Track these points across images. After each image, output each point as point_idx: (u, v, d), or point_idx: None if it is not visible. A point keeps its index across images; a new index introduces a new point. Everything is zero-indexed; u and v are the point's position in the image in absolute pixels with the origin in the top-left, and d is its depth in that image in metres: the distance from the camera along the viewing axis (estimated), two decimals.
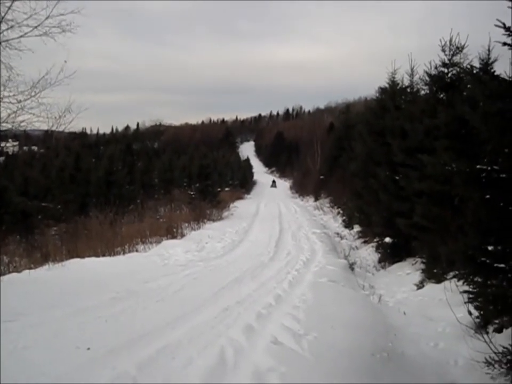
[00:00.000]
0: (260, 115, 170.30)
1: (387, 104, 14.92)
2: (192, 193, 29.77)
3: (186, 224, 23.20)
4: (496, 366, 4.64)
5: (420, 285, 10.10)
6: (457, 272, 7.69)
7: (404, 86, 14.71)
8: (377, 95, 16.56)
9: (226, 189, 44.34)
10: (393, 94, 14.85)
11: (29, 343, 5.22)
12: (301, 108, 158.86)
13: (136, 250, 16.70)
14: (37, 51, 11.34)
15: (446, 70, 10.94)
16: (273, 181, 71.12)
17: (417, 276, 10.74)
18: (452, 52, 10.80)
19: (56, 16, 11.19)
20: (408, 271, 11.78)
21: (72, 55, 11.54)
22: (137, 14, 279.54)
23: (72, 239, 17.88)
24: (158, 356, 4.90)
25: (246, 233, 21.09)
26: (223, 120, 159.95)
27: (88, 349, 5.06)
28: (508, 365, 4.56)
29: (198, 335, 5.70)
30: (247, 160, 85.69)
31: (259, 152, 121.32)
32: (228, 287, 9.34)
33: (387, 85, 15.36)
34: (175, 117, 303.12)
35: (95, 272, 11.53)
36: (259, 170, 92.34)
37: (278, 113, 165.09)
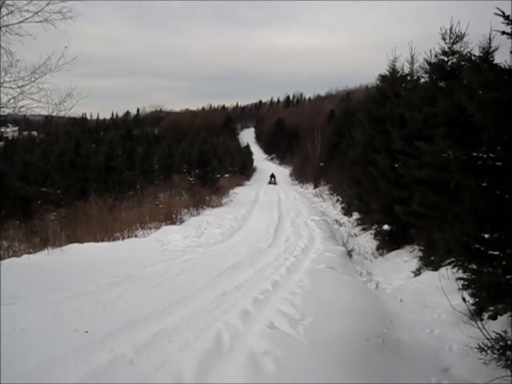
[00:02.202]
0: (260, 102, 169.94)
1: (387, 92, 14.90)
2: (191, 179, 29.80)
3: (186, 210, 23.25)
4: (489, 352, 4.68)
5: (417, 272, 10.16)
6: (453, 260, 7.74)
7: (404, 74, 14.68)
8: (378, 82, 16.53)
9: (226, 175, 44.33)
10: (393, 82, 14.83)
11: (27, 326, 5.26)
12: (301, 95, 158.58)
13: (135, 236, 16.76)
14: (38, 37, 11.32)
15: (446, 58, 10.92)
16: (272, 176, 53.38)
17: (414, 263, 10.79)
18: (452, 40, 10.78)
19: (57, 3, 11.17)
20: (405, 259, 11.83)
21: (73, 39, 11.51)
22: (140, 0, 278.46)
23: (72, 224, 17.97)
24: (155, 339, 4.94)
25: (245, 220, 21.15)
26: (224, 106, 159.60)
27: (86, 331, 5.11)
28: (501, 350, 4.60)
29: (195, 319, 5.75)
30: (247, 146, 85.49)
31: (259, 138, 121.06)
32: (226, 273, 9.40)
33: (387, 73, 15.33)
34: (175, 103, 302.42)
35: (94, 257, 11.60)
36: (259, 157, 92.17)
37: (278, 100, 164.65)
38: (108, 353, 4.46)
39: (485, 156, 4.98)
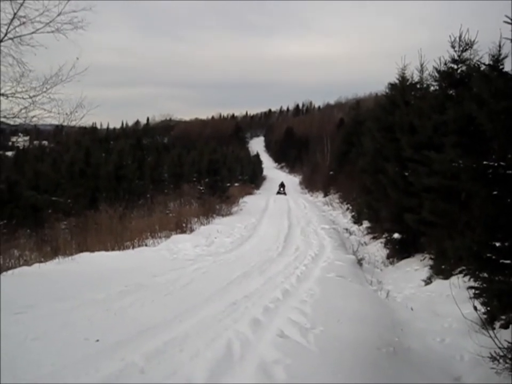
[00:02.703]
0: (269, 110, 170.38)
1: (397, 100, 14.89)
2: (201, 188, 29.84)
3: (196, 219, 23.26)
4: (501, 361, 4.66)
5: (428, 281, 10.11)
6: (464, 268, 7.71)
7: (413, 82, 14.66)
8: (387, 90, 16.53)
9: (236, 184, 44.35)
10: (403, 90, 14.81)
11: (38, 334, 5.28)
12: (311, 103, 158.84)
13: (146, 245, 16.78)
14: (50, 47, 11.45)
15: (455, 66, 10.91)
16: (282, 185, 50.69)
17: (425, 272, 10.74)
18: (461, 48, 10.77)
19: (68, 13, 11.32)
20: (416, 267, 11.78)
21: (84, 49, 11.65)
22: (149, 8, 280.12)
23: (82, 233, 18.00)
24: (166, 347, 4.95)
25: (255, 229, 21.14)
26: (233, 115, 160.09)
27: (97, 340, 5.12)
28: None
29: (205, 328, 5.75)
30: (257, 155, 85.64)
31: (269, 147, 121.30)
32: (236, 282, 9.38)
33: (397, 81, 15.33)
34: (185, 112, 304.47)
35: (105, 265, 11.62)
36: (269, 165, 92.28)
37: (288, 109, 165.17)
38: (118, 362, 4.47)
39: (495, 164, 4.97)
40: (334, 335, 5.63)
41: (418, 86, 14.45)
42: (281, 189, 49.66)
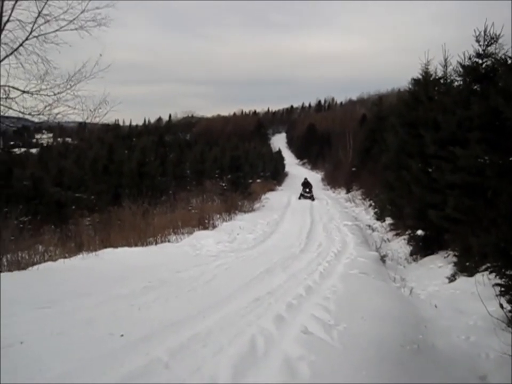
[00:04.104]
0: (291, 107, 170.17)
1: (420, 95, 14.76)
2: (223, 184, 29.93)
3: (218, 215, 23.34)
4: None
5: (452, 278, 10.02)
6: (489, 265, 7.62)
7: (437, 77, 14.51)
8: (410, 86, 16.38)
9: (258, 180, 44.32)
10: (426, 85, 14.67)
11: (64, 329, 5.34)
12: (333, 99, 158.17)
13: (168, 241, 16.88)
14: (73, 44, 11.56)
15: (480, 61, 10.77)
16: (306, 183, 37.89)
17: (449, 269, 10.64)
18: (486, 42, 10.61)
19: (91, 10, 11.41)
20: (440, 264, 11.68)
21: (106, 48, 11.72)
22: (170, 6, 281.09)
23: (105, 229, 18.16)
24: (190, 343, 4.97)
25: (277, 225, 21.14)
26: (255, 111, 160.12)
27: (122, 335, 5.16)
28: None
29: (229, 324, 5.76)
30: (279, 151, 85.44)
31: (291, 143, 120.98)
32: (258, 278, 9.39)
33: (420, 76, 15.18)
34: (207, 109, 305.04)
35: (128, 261, 11.72)
36: (291, 162, 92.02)
37: (310, 105, 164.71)
38: (143, 357, 4.49)
39: None
40: (358, 332, 5.61)
41: (442, 81, 14.30)
42: (306, 190, 36.24)
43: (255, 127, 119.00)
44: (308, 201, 33.75)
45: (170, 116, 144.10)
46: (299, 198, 35.43)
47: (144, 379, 4.03)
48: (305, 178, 39.80)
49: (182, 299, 7.44)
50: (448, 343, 5.85)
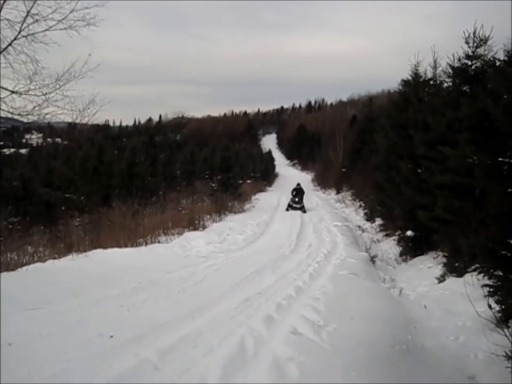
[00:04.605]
0: (282, 107, 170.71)
1: (410, 96, 14.82)
2: (214, 185, 29.90)
3: (208, 216, 23.31)
4: None
5: (441, 279, 10.07)
6: (478, 266, 7.67)
7: (426, 79, 14.58)
8: (400, 87, 16.45)
9: (248, 181, 44.26)
10: (416, 87, 14.74)
11: (53, 330, 5.32)
12: (323, 100, 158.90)
13: (158, 242, 16.84)
14: (62, 44, 11.52)
15: (469, 63, 10.85)
16: (297, 191, 29.18)
17: (438, 270, 10.70)
18: (475, 44, 10.70)
19: (81, 10, 11.38)
20: (429, 265, 11.73)
21: (96, 47, 11.71)
22: (161, 6, 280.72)
23: (95, 230, 18.09)
24: (179, 344, 4.96)
25: (267, 226, 21.14)
26: (245, 112, 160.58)
27: (111, 336, 5.15)
28: None
29: (218, 324, 5.76)
30: (269, 152, 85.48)
31: (281, 144, 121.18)
32: (248, 278, 9.39)
33: (410, 78, 15.26)
34: (197, 109, 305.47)
35: (118, 262, 11.68)
36: (281, 163, 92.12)
37: (300, 106, 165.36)
38: (132, 358, 4.49)
39: (511, 161, 4.94)
40: (347, 332, 5.62)
41: (431, 82, 14.38)
42: (296, 200, 28.08)
43: (246, 127, 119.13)
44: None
45: (160, 117, 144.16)
46: (286, 209, 27.42)
47: (134, 380, 4.03)
48: (298, 184, 30.63)
49: (171, 300, 7.43)
50: (437, 344, 5.89)
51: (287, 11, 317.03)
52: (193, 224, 20.59)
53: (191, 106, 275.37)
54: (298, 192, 29.02)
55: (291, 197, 28.74)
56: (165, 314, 6.31)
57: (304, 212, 26.63)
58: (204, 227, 20.61)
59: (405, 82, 15.72)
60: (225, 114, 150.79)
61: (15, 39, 11.06)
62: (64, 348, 4.78)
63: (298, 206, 27.40)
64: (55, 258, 12.86)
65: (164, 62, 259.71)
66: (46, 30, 11.25)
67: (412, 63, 15.07)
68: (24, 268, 11.02)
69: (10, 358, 4.42)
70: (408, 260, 13.36)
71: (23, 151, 69.19)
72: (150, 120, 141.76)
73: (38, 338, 5.04)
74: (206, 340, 5.13)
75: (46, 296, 7.13)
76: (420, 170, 12.35)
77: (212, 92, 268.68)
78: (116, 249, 13.78)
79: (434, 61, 13.73)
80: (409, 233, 13.80)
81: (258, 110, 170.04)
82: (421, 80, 14.76)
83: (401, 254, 14.09)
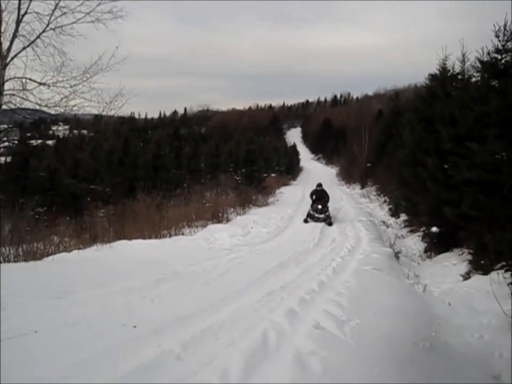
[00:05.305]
0: (307, 101, 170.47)
1: (437, 91, 14.64)
2: (238, 178, 29.94)
3: (232, 209, 23.37)
4: None
5: (466, 276, 9.95)
6: (504, 264, 7.56)
7: (454, 73, 14.38)
8: (427, 81, 16.25)
9: (272, 174, 44.28)
10: (443, 81, 14.54)
11: (78, 319, 5.36)
12: (349, 94, 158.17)
13: (182, 234, 16.95)
14: (89, 37, 11.61)
15: (499, 56, 10.65)
16: (320, 193, 22.05)
17: (463, 267, 10.58)
18: (506, 38, 10.48)
19: (108, 3, 11.44)
20: (454, 262, 11.61)
21: (123, 41, 11.75)
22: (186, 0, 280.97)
23: (120, 221, 18.27)
24: (202, 335, 4.97)
25: (291, 219, 21.11)
26: (270, 106, 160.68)
27: (135, 326, 5.18)
28: None
29: (241, 317, 5.76)
30: (294, 146, 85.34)
31: (306, 138, 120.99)
32: (272, 272, 9.38)
33: (437, 72, 15.06)
34: (222, 103, 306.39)
35: (142, 253, 11.79)
36: (305, 156, 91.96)
37: (325, 100, 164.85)
38: (155, 348, 4.50)
39: None
40: (370, 328, 5.59)
41: (459, 77, 14.17)
42: (319, 207, 21.02)
43: (270, 121, 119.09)
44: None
45: (185, 109, 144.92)
46: (305, 220, 20.53)
47: (156, 370, 4.04)
48: (319, 185, 22.87)
49: (195, 292, 7.45)
50: (461, 342, 5.82)
51: (312, 4, 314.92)
52: (217, 216, 20.67)
53: (216, 99, 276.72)
54: (320, 195, 22.03)
55: (310, 202, 21.97)
56: (188, 306, 6.32)
57: (330, 223, 19.81)
58: (228, 220, 20.68)
59: (432, 77, 15.52)
60: (250, 108, 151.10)
61: (43, 31, 11.18)
62: (88, 337, 4.81)
63: (321, 215, 20.55)
64: (80, 248, 13.03)
65: (188, 56, 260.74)
66: (73, 22, 11.36)
67: (439, 57, 14.87)
68: (50, 257, 11.19)
69: (36, 345, 4.47)
70: (432, 256, 13.24)
71: (50, 142, 69.94)
72: (175, 112, 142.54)
73: (62, 327, 5.09)
74: (228, 332, 5.13)
75: (71, 286, 7.19)
76: (446, 166, 12.21)
77: (237, 85, 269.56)
78: (140, 241, 13.90)
79: (463, 55, 13.52)
80: (434, 229, 13.67)
81: (284, 104, 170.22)
82: (449, 74, 14.56)
83: (425, 250, 13.96)
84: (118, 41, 11.34)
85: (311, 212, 20.86)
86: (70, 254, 11.73)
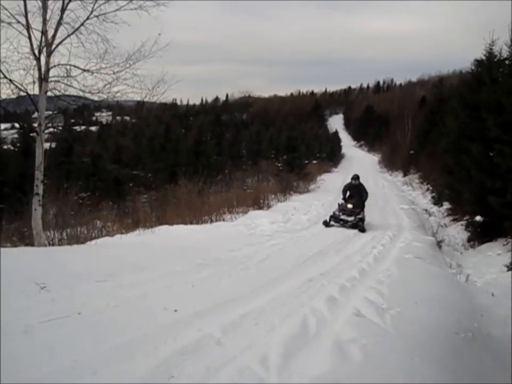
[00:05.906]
0: (349, 88, 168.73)
1: (483, 77, 14.33)
2: (279, 165, 29.90)
3: (273, 196, 23.40)
4: None
5: (511, 267, 9.78)
6: None
7: (502, 58, 14.04)
8: (473, 67, 15.92)
9: (314, 161, 44.04)
10: (489, 67, 14.24)
11: (120, 302, 5.44)
12: (392, 80, 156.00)
13: (223, 220, 17.05)
14: (132, 24, 11.69)
15: None
16: (355, 189, 17.05)
17: (508, 257, 10.40)
18: None
19: None
20: (498, 252, 11.41)
21: (165, 28, 11.79)
22: None
23: (162, 207, 18.47)
24: (242, 321, 5.00)
25: (332, 207, 20.95)
26: (312, 92, 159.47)
27: (175, 310, 5.23)
28: None
29: (281, 303, 5.77)
30: (336, 133, 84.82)
31: (348, 125, 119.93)
32: (312, 259, 9.38)
33: (484, 57, 14.73)
34: (264, 89, 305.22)
35: (183, 238, 11.89)
36: (347, 143, 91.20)
37: (368, 86, 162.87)
38: (195, 333, 4.55)
39: None
40: (411, 317, 5.53)
41: (507, 62, 13.83)
42: (349, 207, 16.30)
43: (312, 107, 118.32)
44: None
45: (227, 96, 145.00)
46: (326, 224, 15.85)
47: (197, 354, 4.08)
48: (355, 177, 17.76)
49: (235, 277, 7.49)
50: (504, 333, 5.72)
51: None
52: (258, 203, 20.72)
53: (258, 85, 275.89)
54: (354, 191, 17.38)
55: (341, 200, 17.42)
56: (228, 291, 6.36)
57: (363, 229, 14.95)
58: (269, 206, 20.73)
59: (478, 62, 15.22)
60: (292, 94, 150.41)
61: (87, 18, 11.29)
62: (130, 320, 4.89)
63: (350, 218, 15.81)
64: (122, 233, 13.24)
65: (230, 42, 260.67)
66: (116, 10, 11.42)
67: (486, 42, 14.54)
68: (93, 242, 11.40)
69: (80, 327, 4.56)
70: (476, 246, 13.04)
71: (93, 128, 71.12)
72: (216, 99, 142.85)
73: (105, 310, 5.17)
74: (268, 318, 5.15)
75: (113, 269, 7.30)
76: (491, 154, 11.97)
77: (278, 71, 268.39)
78: (181, 226, 14.03)
79: (511, 40, 13.17)
80: (478, 218, 13.45)
81: (325, 90, 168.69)
82: (496, 60, 14.23)
83: (469, 240, 13.76)
84: (161, 28, 11.37)
85: (336, 213, 16.30)
86: (112, 239, 11.91)
